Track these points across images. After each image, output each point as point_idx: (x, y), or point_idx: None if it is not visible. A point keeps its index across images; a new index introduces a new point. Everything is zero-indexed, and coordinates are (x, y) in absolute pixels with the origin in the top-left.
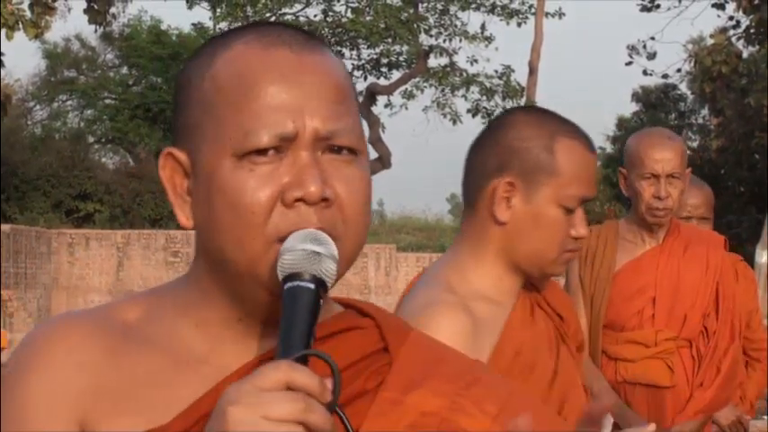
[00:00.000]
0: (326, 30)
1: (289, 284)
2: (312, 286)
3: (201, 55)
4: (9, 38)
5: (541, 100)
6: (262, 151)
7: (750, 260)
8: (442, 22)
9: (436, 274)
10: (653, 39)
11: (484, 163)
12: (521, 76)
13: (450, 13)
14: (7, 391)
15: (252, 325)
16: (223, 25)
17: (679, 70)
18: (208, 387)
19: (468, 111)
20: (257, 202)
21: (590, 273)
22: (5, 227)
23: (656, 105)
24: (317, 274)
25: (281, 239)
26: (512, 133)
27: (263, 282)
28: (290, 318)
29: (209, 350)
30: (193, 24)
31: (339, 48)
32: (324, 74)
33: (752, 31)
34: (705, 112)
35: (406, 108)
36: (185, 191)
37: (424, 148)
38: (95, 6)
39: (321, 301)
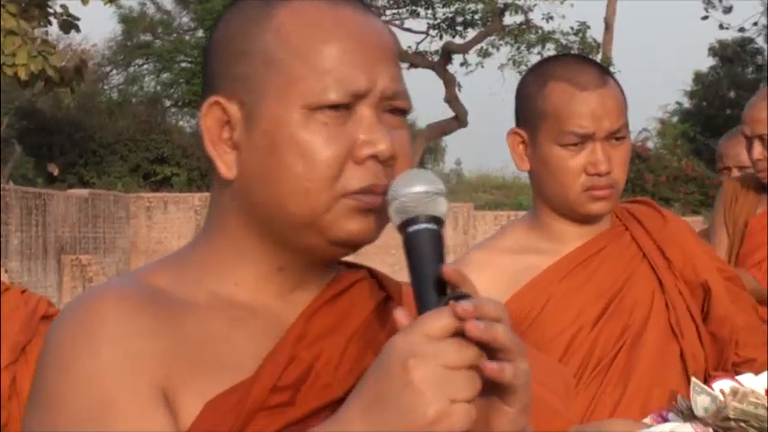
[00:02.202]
0: None
1: (413, 228)
2: (435, 227)
3: (250, 7)
4: (84, 3)
5: (617, 56)
6: (333, 106)
7: None
8: None
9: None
10: None
11: (514, 114)
12: (597, 33)
13: None
14: (68, 364)
15: (292, 272)
16: None
17: (756, 24)
18: (269, 338)
19: None
20: (332, 156)
21: (732, 214)
22: (84, 191)
23: (732, 60)
24: (436, 214)
25: (348, 195)
26: (521, 83)
27: (324, 232)
28: (423, 262)
29: (255, 304)
30: None
31: (414, 7)
32: (387, 37)
33: None
34: None
35: (482, 66)
36: (229, 141)
37: (501, 107)
38: None
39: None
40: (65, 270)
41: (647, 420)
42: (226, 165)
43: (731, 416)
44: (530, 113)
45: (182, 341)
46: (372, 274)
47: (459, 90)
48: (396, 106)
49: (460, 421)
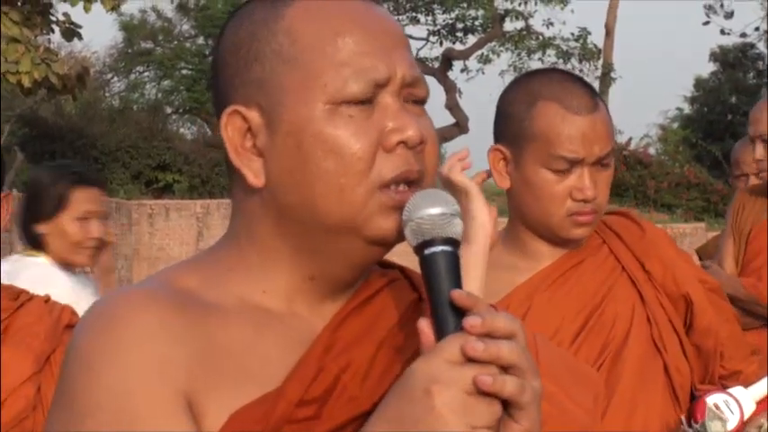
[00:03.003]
0: None
1: (430, 250)
2: (451, 249)
3: (256, 11)
4: (87, 10)
5: (618, 62)
6: (357, 99)
7: None
8: None
9: None
10: None
11: (493, 129)
12: (597, 38)
13: None
14: (94, 368)
15: (323, 281)
16: None
17: (757, 29)
18: (297, 346)
19: None
20: (363, 148)
21: (738, 223)
22: None
23: (734, 65)
24: (452, 236)
25: (383, 185)
26: (504, 98)
27: (360, 230)
28: (439, 286)
29: (283, 312)
30: None
31: (414, 13)
32: (397, 25)
33: None
34: None
35: (483, 73)
36: (253, 149)
37: None
38: None
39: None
40: None
41: None
42: (253, 173)
43: None
44: (515, 132)
45: (209, 348)
46: (404, 273)
47: (460, 96)
48: (415, 95)
49: None
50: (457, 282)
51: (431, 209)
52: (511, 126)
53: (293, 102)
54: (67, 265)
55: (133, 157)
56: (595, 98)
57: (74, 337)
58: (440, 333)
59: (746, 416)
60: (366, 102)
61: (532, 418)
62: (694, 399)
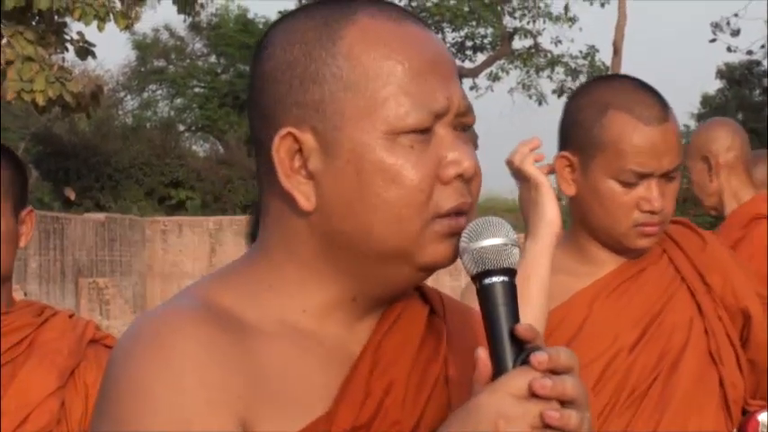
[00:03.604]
0: None
1: (490, 280)
2: (509, 279)
3: (308, 30)
4: (100, 29)
5: None
6: (416, 128)
7: None
8: (526, 3)
9: None
10: (736, 15)
11: (559, 135)
12: (605, 56)
13: None
14: (148, 395)
15: (364, 302)
16: None
17: (763, 46)
18: (337, 367)
19: (554, 92)
20: (423, 180)
21: None
22: (100, 216)
23: (740, 82)
24: (511, 266)
25: (439, 216)
26: (572, 104)
27: (413, 258)
28: (498, 317)
29: (321, 332)
30: (280, 12)
31: None
32: (448, 53)
33: None
34: None
35: (492, 90)
36: (302, 171)
37: (510, 129)
38: None
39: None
40: (82, 293)
41: None
42: (304, 196)
43: None
44: (583, 140)
45: (257, 373)
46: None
47: None
48: (465, 123)
49: None
50: (515, 312)
51: (493, 239)
52: (579, 133)
53: (352, 128)
54: None
55: (146, 174)
56: (666, 108)
57: (118, 361)
58: (499, 365)
59: None
60: (425, 131)
61: None
62: (745, 414)
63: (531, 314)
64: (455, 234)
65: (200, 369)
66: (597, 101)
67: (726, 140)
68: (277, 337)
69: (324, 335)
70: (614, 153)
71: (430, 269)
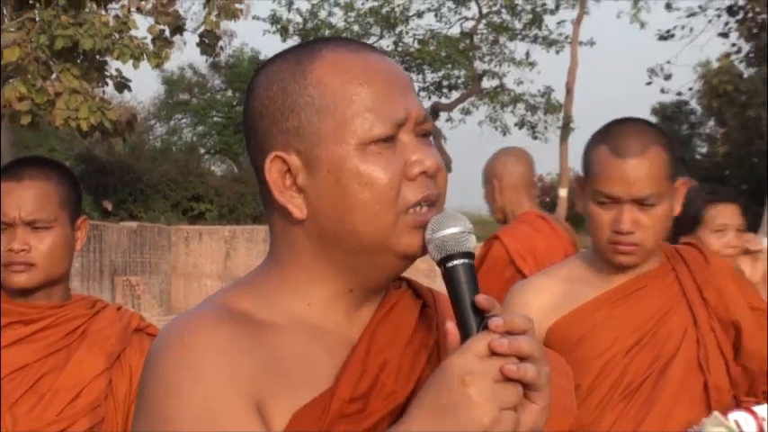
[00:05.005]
0: (397, 57)
1: (452, 263)
2: (468, 261)
3: (283, 70)
4: (135, 67)
5: (577, 114)
6: (383, 139)
7: None
8: (494, 50)
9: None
10: (669, 63)
11: None
12: (559, 95)
13: (500, 43)
14: (176, 385)
15: (360, 293)
16: None
17: (690, 89)
18: (340, 351)
19: (516, 124)
20: (392, 179)
21: None
22: (133, 224)
23: (671, 118)
24: (469, 250)
25: (407, 209)
26: (588, 140)
27: (393, 247)
28: (462, 293)
29: (326, 322)
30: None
31: (408, 72)
32: (404, 72)
33: (751, 55)
34: (712, 123)
35: (464, 122)
36: (293, 187)
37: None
38: (206, 41)
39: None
40: (117, 289)
41: None
42: (297, 207)
43: None
44: (584, 168)
45: (269, 359)
46: (408, 283)
47: (445, 141)
48: (425, 129)
49: (509, 425)
50: (475, 287)
51: (451, 228)
52: (583, 163)
53: (328, 145)
54: None
55: (172, 190)
56: (651, 145)
57: (154, 359)
58: (465, 332)
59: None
60: (389, 139)
61: (546, 398)
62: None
63: None
64: (423, 227)
65: (216, 359)
66: (596, 138)
67: (509, 165)
68: (287, 328)
69: (327, 324)
70: (593, 178)
71: (408, 257)
